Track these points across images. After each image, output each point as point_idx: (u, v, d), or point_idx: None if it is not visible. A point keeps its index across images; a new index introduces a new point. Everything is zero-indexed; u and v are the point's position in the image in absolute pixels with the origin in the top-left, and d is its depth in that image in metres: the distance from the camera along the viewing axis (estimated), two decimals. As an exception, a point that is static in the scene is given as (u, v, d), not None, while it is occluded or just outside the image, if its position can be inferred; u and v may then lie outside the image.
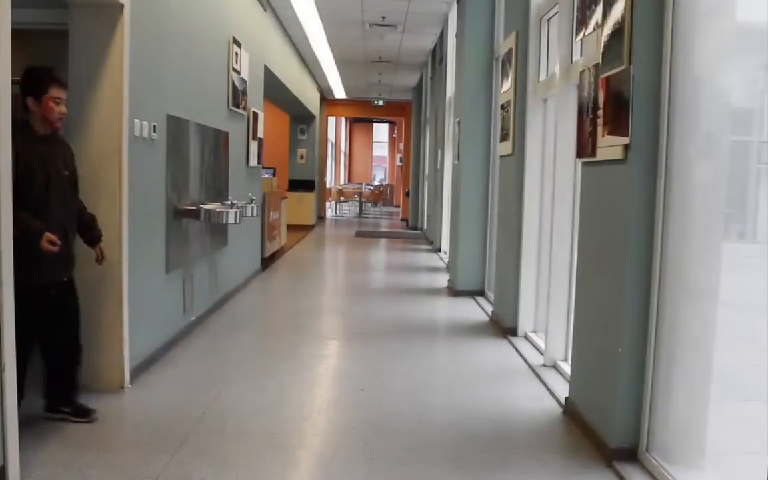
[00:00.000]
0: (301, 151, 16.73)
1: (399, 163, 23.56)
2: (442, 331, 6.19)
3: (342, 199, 22.89)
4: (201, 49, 5.47)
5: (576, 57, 4.19)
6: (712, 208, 2.93)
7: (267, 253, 9.08)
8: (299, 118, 16.27)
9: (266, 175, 10.39)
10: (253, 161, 7.69)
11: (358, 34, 10.98)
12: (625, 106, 3.03)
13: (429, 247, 12.62)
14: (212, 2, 5.84)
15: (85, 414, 3.43)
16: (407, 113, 19.06)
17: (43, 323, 3.29)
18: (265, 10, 8.53)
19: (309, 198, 16.21)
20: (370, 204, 23.13)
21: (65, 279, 3.36)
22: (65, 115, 3.28)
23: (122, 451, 3.13)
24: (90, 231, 3.50)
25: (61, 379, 3.44)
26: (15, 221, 2.88)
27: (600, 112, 3.32)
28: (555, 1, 4.67)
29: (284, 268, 9.41)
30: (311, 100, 15.23)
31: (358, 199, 22.79)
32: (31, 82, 3.16)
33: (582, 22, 3.69)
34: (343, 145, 30.43)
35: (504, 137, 5.89)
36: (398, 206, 23.40)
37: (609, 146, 3.22)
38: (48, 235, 3.04)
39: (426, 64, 13.79)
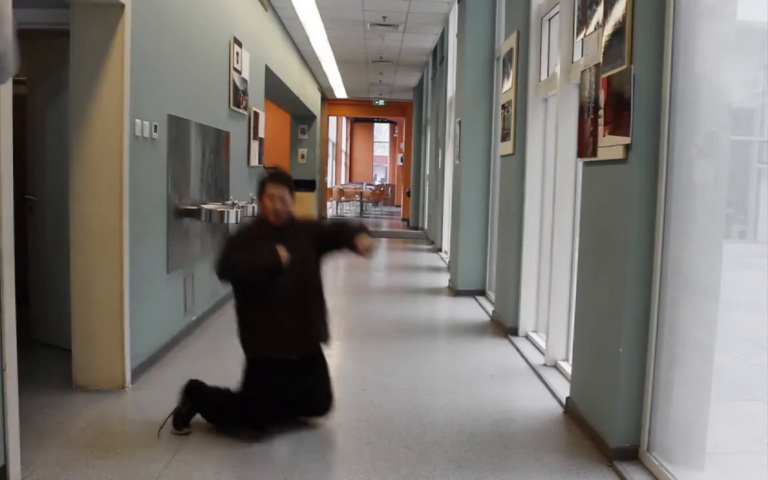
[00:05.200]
0: (302, 150, 16.72)
1: (400, 163, 23.56)
2: (443, 330, 6.18)
3: (343, 198, 22.88)
4: (202, 49, 5.47)
5: (577, 57, 4.19)
6: (713, 208, 2.93)
7: (268, 253, 9.06)
8: (300, 117, 16.27)
9: (267, 175, 10.38)
10: (254, 161, 7.69)
11: (359, 34, 10.98)
12: (626, 105, 3.03)
13: (430, 246, 12.61)
14: (213, 2, 5.84)
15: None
16: (408, 113, 19.06)
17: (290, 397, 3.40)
18: (266, 10, 8.53)
19: (310, 198, 16.19)
20: (371, 204, 23.13)
21: (295, 358, 3.36)
22: (283, 211, 3.34)
23: (123, 451, 3.13)
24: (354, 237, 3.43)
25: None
26: (247, 265, 3.21)
27: (601, 112, 3.32)
28: (556, 0, 4.67)
29: (285, 268, 9.39)
30: (312, 99, 15.23)
31: (359, 198, 22.78)
32: (257, 187, 3.42)
33: (583, 21, 3.69)
34: (344, 145, 30.43)
35: (505, 137, 5.89)
36: (399, 206, 23.40)
37: (610, 146, 3.22)
38: (276, 248, 3.18)
39: (427, 64, 13.78)
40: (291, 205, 3.38)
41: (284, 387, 3.34)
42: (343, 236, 3.49)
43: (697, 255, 2.93)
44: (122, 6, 3.80)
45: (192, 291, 5.28)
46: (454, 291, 7.55)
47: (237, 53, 6.57)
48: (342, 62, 13.67)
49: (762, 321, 2.86)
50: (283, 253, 3.18)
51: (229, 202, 5.74)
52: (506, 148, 5.81)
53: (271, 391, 3.30)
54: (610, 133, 3.22)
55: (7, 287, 2.63)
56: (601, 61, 3.32)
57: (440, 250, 11.43)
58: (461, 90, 7.56)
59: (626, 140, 3.05)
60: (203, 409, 3.35)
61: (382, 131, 32.62)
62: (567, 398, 3.81)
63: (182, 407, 3.31)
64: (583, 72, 3.60)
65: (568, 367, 4.20)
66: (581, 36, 3.71)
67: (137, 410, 3.67)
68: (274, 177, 3.39)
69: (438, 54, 11.69)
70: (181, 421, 3.29)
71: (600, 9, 3.36)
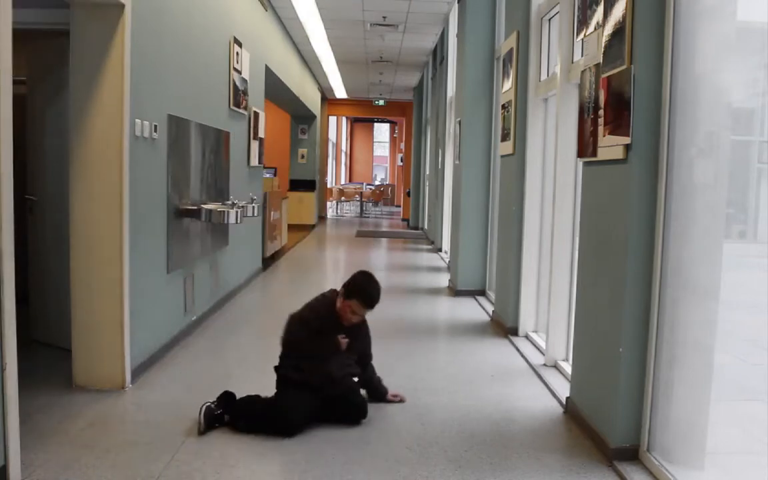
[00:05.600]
0: (302, 150, 16.72)
1: (400, 163, 23.56)
2: (443, 330, 6.18)
3: (343, 198, 22.89)
4: (202, 49, 5.47)
5: (577, 57, 4.19)
6: (713, 208, 2.93)
7: (268, 253, 9.08)
8: (300, 117, 16.27)
9: (267, 175, 10.40)
10: (254, 161, 7.70)
11: (359, 34, 10.98)
12: (626, 105, 3.03)
13: (430, 246, 12.61)
14: (213, 2, 5.84)
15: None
16: (408, 113, 19.07)
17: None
18: (266, 10, 8.53)
19: (310, 198, 16.21)
20: (370, 204, 23.14)
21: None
22: (358, 322, 3.61)
23: (123, 451, 3.13)
24: (376, 390, 3.85)
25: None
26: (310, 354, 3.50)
27: (601, 112, 3.32)
28: (556, 0, 4.67)
29: (285, 268, 9.41)
30: (312, 99, 15.23)
31: (358, 198, 22.79)
32: (349, 284, 3.58)
33: (583, 21, 3.69)
34: (344, 145, 30.43)
35: (505, 137, 5.89)
36: (399, 206, 23.41)
37: (610, 146, 3.22)
38: (337, 340, 3.55)
39: (427, 64, 13.79)
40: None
41: (316, 395, 3.45)
42: (373, 384, 3.85)
43: (697, 255, 2.93)
44: (122, 6, 3.80)
45: (192, 291, 5.28)
46: (454, 291, 7.55)
47: (237, 53, 6.58)
48: (342, 62, 13.67)
49: (762, 321, 2.86)
50: (343, 343, 3.55)
51: (229, 202, 5.73)
52: (506, 148, 5.81)
53: (302, 398, 3.40)
54: (610, 133, 3.22)
55: (7, 287, 2.63)
56: (601, 61, 3.32)
57: (440, 250, 11.43)
58: (461, 90, 7.56)
59: (626, 140, 3.05)
60: (235, 413, 3.39)
61: (382, 131, 32.63)
62: (567, 398, 3.81)
63: (214, 409, 3.37)
64: (583, 72, 3.60)
65: (568, 367, 4.20)
66: (581, 36, 3.71)
67: (137, 410, 3.67)
68: (365, 296, 3.55)
69: (438, 54, 11.69)
70: (209, 420, 3.34)
71: (600, 9, 3.36)
